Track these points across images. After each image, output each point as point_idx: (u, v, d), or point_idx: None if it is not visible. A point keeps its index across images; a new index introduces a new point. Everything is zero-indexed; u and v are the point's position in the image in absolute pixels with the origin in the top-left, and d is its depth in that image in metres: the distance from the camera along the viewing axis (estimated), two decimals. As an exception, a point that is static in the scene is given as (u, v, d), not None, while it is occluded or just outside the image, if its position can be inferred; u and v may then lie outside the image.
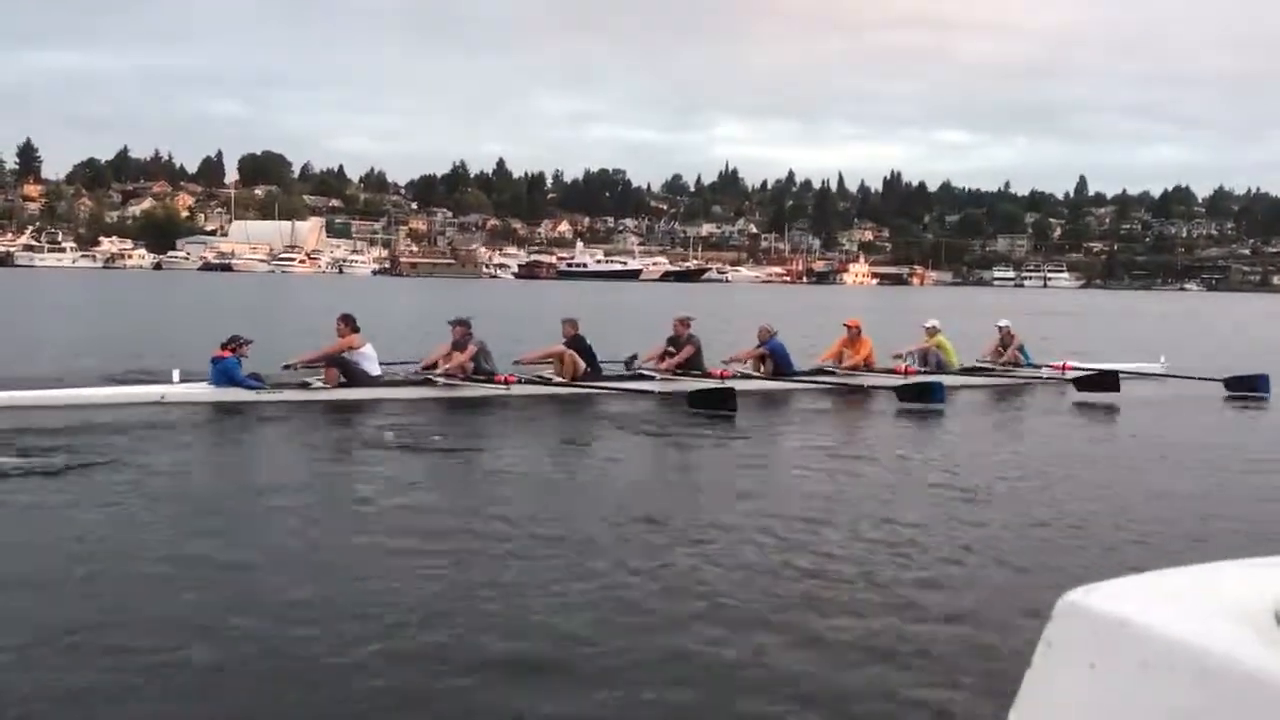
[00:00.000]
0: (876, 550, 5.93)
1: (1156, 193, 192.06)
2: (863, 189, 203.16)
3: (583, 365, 12.39)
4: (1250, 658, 0.85)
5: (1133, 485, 8.15)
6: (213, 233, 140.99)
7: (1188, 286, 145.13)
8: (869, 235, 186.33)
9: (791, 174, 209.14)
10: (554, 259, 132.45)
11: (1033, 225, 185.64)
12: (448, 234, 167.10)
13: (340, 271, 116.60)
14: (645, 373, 12.88)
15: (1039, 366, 14.90)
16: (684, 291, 76.74)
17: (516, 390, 11.83)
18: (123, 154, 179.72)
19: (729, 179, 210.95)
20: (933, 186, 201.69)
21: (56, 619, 4.56)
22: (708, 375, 12.80)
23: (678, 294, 70.16)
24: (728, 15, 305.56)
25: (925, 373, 13.66)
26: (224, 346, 10.97)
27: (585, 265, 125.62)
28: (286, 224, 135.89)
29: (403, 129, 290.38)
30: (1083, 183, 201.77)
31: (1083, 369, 14.42)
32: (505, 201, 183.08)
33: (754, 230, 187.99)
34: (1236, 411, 13.10)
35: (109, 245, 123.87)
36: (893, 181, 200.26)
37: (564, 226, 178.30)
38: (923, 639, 4.51)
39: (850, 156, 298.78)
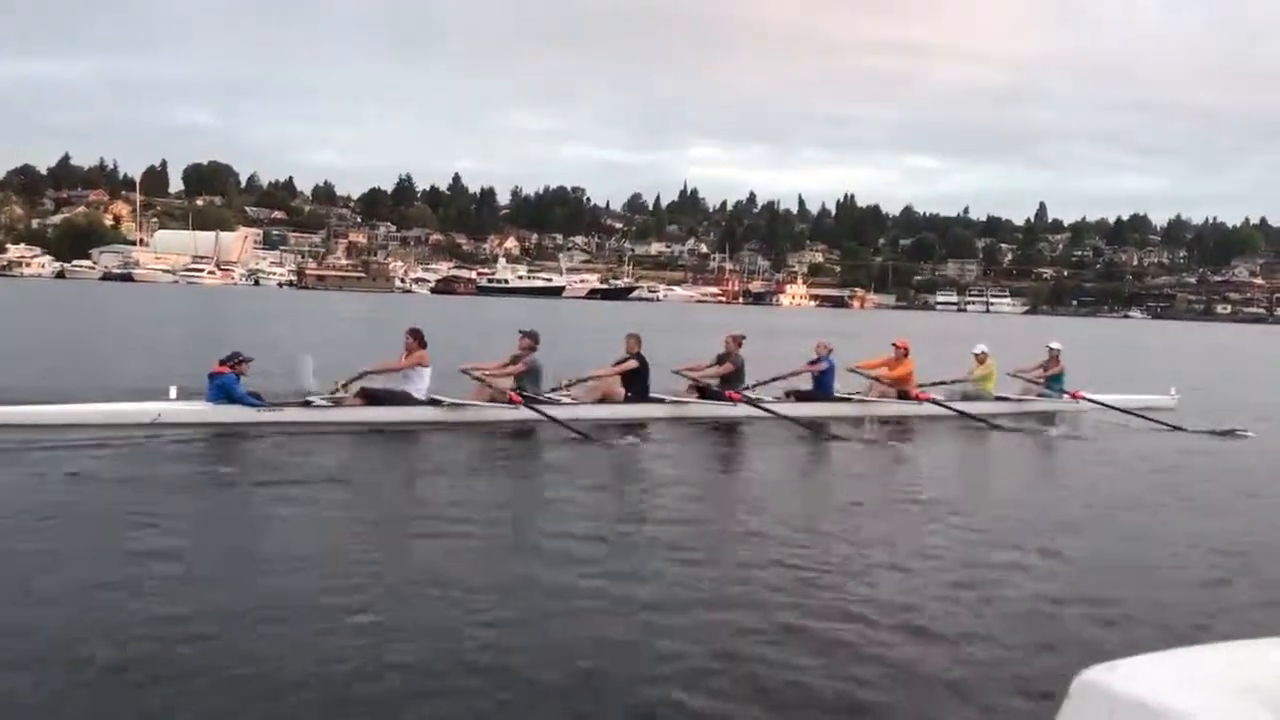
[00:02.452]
0: (873, 605, 5.46)
1: (1114, 220, 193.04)
2: (823, 211, 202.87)
3: (621, 391, 11.99)
4: None
5: (1148, 537, 7.50)
6: (134, 243, 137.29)
7: (1132, 314, 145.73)
8: (819, 257, 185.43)
9: (753, 195, 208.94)
10: (474, 274, 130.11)
11: (984, 250, 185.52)
12: (389, 248, 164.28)
13: (256, 283, 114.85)
14: (656, 396, 12.46)
15: (1058, 396, 14.82)
16: (603, 309, 74.47)
17: (525, 414, 11.30)
18: (64, 161, 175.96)
19: (689, 199, 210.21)
20: (897, 211, 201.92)
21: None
22: (720, 398, 12.40)
23: (597, 311, 67.99)
24: (706, 38, 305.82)
25: (938, 402, 13.69)
26: (223, 363, 10.58)
27: (506, 281, 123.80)
28: (207, 235, 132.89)
29: (372, 142, 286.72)
30: (1042, 209, 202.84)
31: (1092, 400, 14.56)
32: (453, 216, 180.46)
33: (704, 250, 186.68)
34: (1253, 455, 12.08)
35: (13, 251, 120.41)
36: (847, 204, 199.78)
37: (511, 242, 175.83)
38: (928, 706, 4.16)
39: (819, 180, 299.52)
